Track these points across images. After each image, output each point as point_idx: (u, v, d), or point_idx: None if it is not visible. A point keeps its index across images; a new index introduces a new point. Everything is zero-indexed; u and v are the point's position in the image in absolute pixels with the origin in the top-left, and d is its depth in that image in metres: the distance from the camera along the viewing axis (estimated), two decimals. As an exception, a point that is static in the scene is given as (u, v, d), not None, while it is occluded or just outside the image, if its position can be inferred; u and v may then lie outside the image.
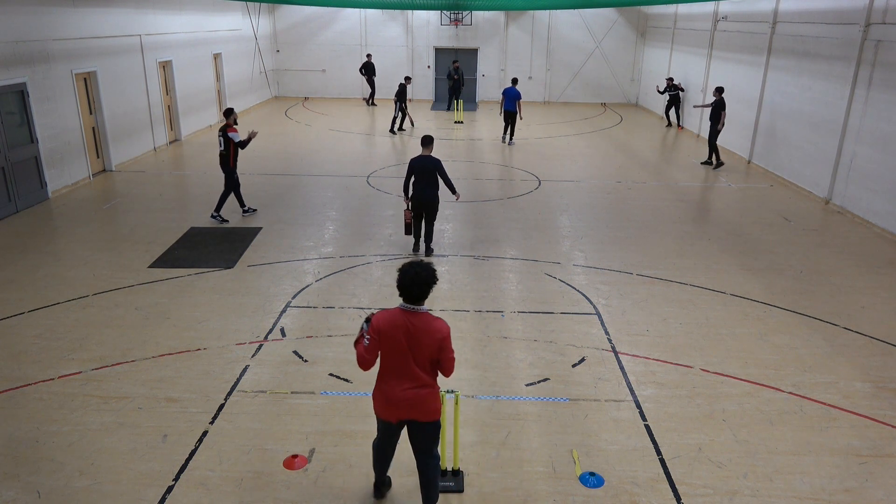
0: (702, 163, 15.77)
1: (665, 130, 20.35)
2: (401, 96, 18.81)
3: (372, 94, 24.35)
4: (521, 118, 18.71)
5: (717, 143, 15.35)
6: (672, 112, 21.11)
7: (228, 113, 10.79)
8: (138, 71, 15.18)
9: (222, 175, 10.90)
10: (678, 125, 20.71)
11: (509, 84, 18.74)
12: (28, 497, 4.68)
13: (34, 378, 6.18)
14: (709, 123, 15.40)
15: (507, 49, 25.69)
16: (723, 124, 15.04)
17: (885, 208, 10.78)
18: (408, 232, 9.39)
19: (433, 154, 9.28)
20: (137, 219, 10.89)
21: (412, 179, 9.02)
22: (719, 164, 15.28)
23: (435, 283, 4.05)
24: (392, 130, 19.01)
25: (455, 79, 21.86)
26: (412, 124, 19.69)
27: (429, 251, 9.46)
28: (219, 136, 10.72)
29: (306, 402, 5.88)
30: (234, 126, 10.75)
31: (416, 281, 3.98)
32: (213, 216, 10.90)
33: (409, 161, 9.12)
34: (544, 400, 5.98)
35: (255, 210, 11.43)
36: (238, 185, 11.00)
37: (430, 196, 9.02)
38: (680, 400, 6.01)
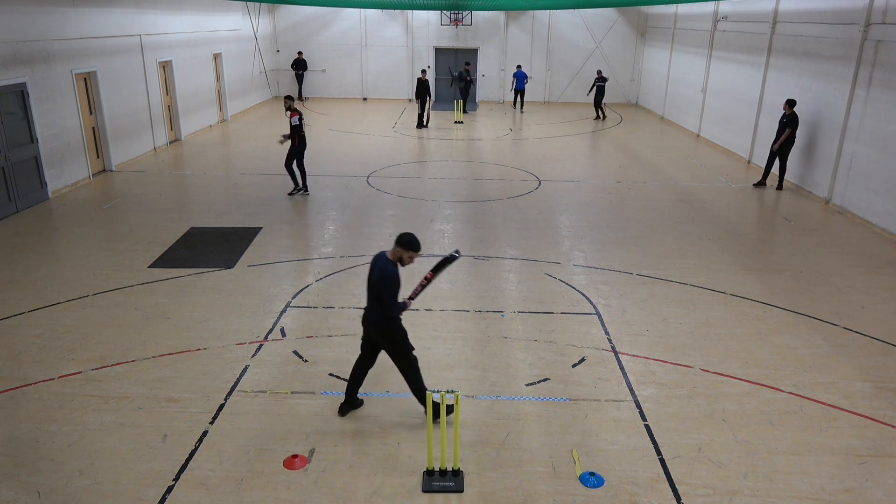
0: (775, 187, 13.50)
1: (605, 123, 20.37)
2: (420, 93, 19.75)
3: (299, 91, 25.12)
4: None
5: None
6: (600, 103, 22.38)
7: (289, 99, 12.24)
8: (138, 71, 15.18)
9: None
10: (603, 115, 22.27)
11: (511, 72, 23.82)
12: (28, 497, 4.68)
13: (34, 378, 6.18)
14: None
15: (507, 49, 25.68)
16: (781, 142, 12.97)
17: (885, 208, 10.78)
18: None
19: (398, 261, 5.28)
20: (137, 219, 10.89)
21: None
22: (762, 183, 13.60)
23: None
24: (423, 125, 20.05)
25: (467, 80, 22.37)
26: (423, 123, 20.06)
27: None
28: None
29: (306, 402, 5.88)
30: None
31: None
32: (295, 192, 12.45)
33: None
34: (544, 400, 5.98)
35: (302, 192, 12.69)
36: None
37: (372, 323, 5.37)
38: (680, 400, 6.01)
